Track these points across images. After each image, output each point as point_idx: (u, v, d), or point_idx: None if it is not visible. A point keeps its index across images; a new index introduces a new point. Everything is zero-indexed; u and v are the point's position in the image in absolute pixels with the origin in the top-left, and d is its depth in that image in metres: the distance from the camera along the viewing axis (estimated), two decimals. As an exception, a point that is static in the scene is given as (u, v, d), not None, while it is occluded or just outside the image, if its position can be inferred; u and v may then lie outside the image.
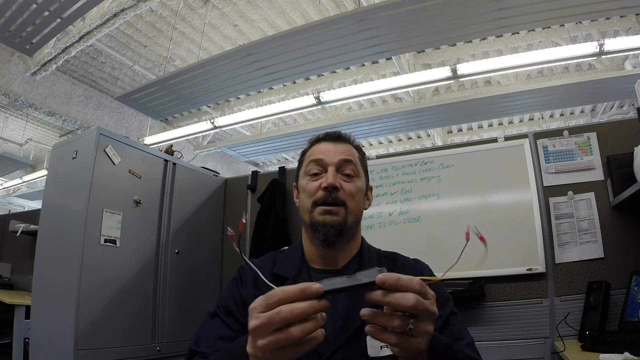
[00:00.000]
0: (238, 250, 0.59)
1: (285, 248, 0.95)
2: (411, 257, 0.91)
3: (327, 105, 3.90)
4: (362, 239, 0.92)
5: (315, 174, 0.86)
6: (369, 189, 0.93)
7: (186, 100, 3.81)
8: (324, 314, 0.52)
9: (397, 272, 0.82)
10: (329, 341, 0.74)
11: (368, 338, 0.72)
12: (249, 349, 0.56)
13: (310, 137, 0.95)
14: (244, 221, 0.67)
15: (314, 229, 0.82)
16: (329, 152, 0.87)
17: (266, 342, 0.50)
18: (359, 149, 0.94)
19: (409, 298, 0.51)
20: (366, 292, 0.53)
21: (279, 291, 0.51)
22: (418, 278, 0.53)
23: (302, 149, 0.96)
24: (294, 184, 0.94)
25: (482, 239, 0.61)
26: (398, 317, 0.52)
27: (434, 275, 0.84)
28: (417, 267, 0.87)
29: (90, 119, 5.05)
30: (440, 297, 0.80)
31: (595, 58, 3.38)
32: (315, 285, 0.51)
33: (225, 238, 2.68)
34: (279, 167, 2.63)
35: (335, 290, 0.52)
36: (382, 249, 0.93)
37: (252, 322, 0.51)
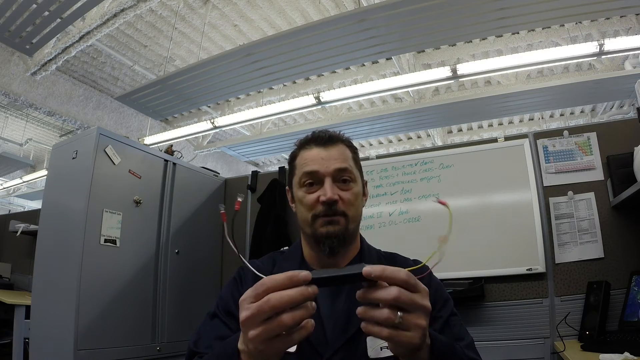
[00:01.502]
0: (231, 242, 0.59)
1: (285, 248, 0.95)
2: (411, 258, 0.90)
3: (327, 105, 3.90)
4: (363, 239, 0.91)
5: (311, 184, 0.83)
6: (364, 185, 0.91)
7: (186, 100, 3.81)
8: (313, 303, 0.52)
9: None
10: (329, 342, 0.74)
11: (368, 339, 0.72)
12: (240, 345, 0.56)
13: (299, 139, 0.91)
14: (240, 200, 0.67)
15: (317, 241, 0.81)
16: (322, 160, 0.83)
17: (257, 332, 0.50)
18: (350, 146, 0.90)
19: (389, 291, 0.51)
20: (355, 284, 0.54)
21: (267, 280, 0.52)
22: (405, 270, 0.53)
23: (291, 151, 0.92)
24: (287, 188, 0.92)
25: (442, 202, 0.62)
26: (386, 310, 0.52)
27: (433, 275, 0.84)
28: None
29: (90, 119, 5.05)
30: (441, 298, 0.80)
31: (595, 58, 3.39)
32: (303, 273, 0.51)
33: (225, 238, 2.68)
34: (279, 167, 2.63)
35: (322, 279, 0.53)
36: (382, 250, 0.93)
37: (243, 314, 0.51)
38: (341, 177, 0.83)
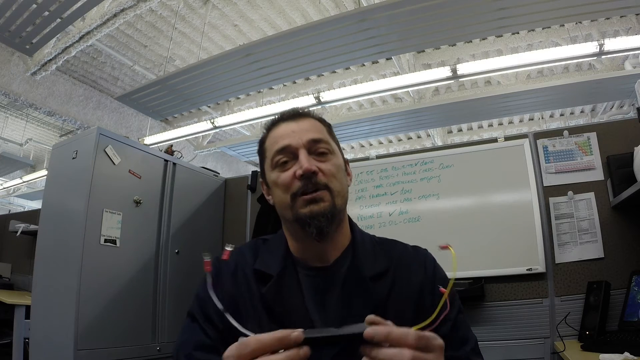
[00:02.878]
0: (213, 296, 0.58)
1: (268, 236, 0.83)
2: (411, 245, 0.83)
3: (327, 105, 3.90)
4: (355, 226, 0.81)
5: (285, 162, 0.73)
6: (346, 163, 0.81)
7: (186, 100, 3.81)
8: None
9: (394, 267, 0.75)
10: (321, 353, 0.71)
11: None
12: None
13: (266, 122, 0.81)
14: (228, 249, 0.65)
15: (302, 224, 0.70)
16: (294, 133, 0.74)
17: None
18: (323, 121, 0.81)
19: (404, 355, 0.47)
20: (352, 343, 0.50)
21: (253, 341, 0.47)
22: (414, 330, 0.49)
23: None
24: (261, 180, 0.81)
25: (444, 247, 0.58)
26: None
27: (438, 269, 0.79)
28: (417, 259, 0.79)
29: (90, 119, 5.05)
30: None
31: (595, 58, 3.38)
32: (294, 334, 0.47)
33: (225, 238, 2.68)
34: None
35: (317, 339, 0.48)
36: (376, 235, 0.84)
37: None
38: (317, 149, 0.74)
